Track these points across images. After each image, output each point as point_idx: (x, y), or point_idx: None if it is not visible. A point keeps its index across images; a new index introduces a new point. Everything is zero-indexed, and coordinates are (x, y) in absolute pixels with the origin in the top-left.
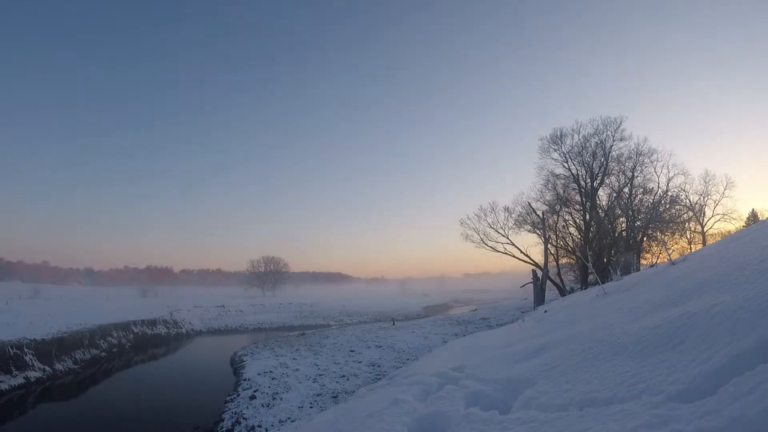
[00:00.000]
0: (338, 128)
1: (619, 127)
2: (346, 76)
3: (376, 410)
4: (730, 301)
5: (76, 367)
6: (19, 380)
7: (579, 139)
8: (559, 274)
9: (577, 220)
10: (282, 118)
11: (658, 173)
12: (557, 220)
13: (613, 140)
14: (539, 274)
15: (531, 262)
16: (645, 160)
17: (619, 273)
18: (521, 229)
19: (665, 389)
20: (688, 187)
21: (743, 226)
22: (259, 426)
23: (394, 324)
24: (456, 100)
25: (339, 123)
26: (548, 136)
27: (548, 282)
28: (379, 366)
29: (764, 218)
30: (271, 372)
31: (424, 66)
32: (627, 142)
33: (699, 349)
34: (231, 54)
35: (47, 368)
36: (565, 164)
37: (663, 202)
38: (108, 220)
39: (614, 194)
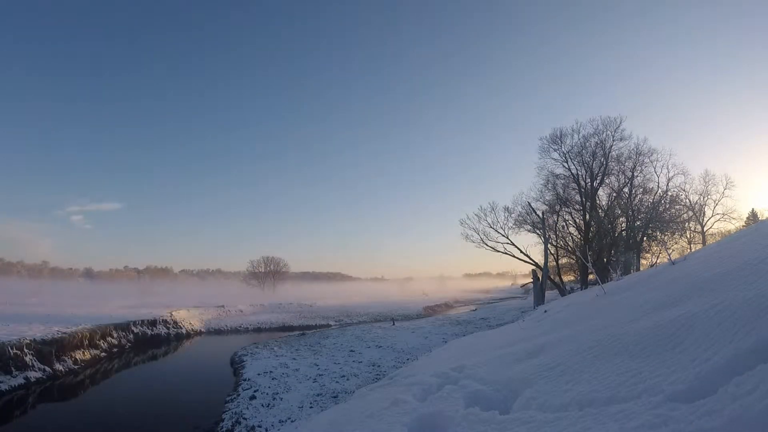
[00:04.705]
0: (338, 128)
1: (618, 127)
2: (347, 75)
3: (376, 410)
4: (730, 301)
5: (76, 367)
6: (20, 380)
7: (579, 139)
8: (559, 274)
9: (577, 220)
10: (282, 117)
11: (658, 173)
12: (557, 220)
13: (613, 140)
14: (539, 274)
15: (531, 262)
16: (645, 160)
17: (619, 273)
18: (521, 229)
19: (665, 389)
20: (688, 186)
21: (743, 226)
22: (259, 426)
23: (394, 324)
24: (455, 100)
25: (338, 123)
26: (548, 136)
27: (548, 282)
28: (379, 366)
29: (764, 218)
30: (271, 372)
31: (423, 65)
32: (627, 142)
33: (699, 349)
34: (232, 53)
35: (47, 368)
36: (565, 164)
37: (663, 202)
38: (107, 220)
39: (614, 194)
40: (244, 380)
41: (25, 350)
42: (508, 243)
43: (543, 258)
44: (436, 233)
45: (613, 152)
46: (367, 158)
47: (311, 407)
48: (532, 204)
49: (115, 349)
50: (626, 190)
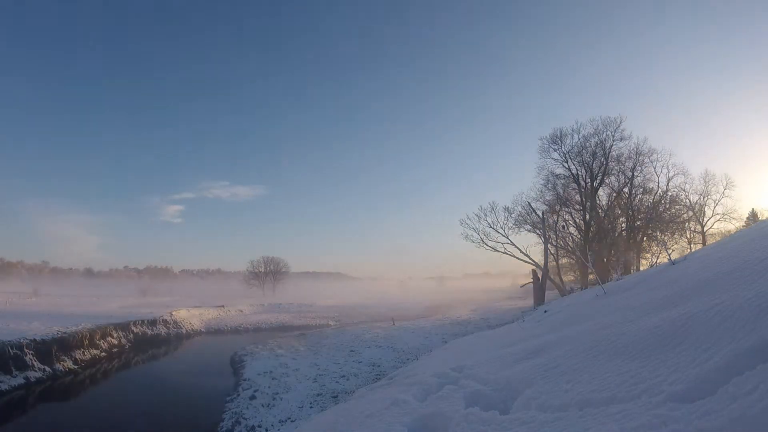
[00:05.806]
0: (337, 127)
1: (618, 127)
2: (346, 73)
3: (376, 410)
4: (730, 301)
5: (76, 367)
6: (20, 380)
7: (579, 139)
8: (559, 274)
9: (577, 220)
10: (281, 117)
11: (658, 173)
12: (557, 220)
13: (613, 140)
14: (539, 274)
15: (531, 262)
16: (645, 160)
17: (619, 273)
18: (521, 229)
19: (665, 389)
20: (688, 186)
21: (743, 226)
22: (259, 426)
23: (394, 324)
24: (455, 100)
25: (338, 122)
26: (548, 136)
27: (548, 282)
28: (379, 366)
29: (764, 218)
30: (271, 372)
31: (423, 64)
32: (627, 142)
33: (699, 349)
34: (235, 53)
35: (47, 368)
36: (565, 164)
37: (663, 202)
38: (107, 220)
39: (614, 194)
40: (244, 380)
41: (25, 350)
42: (508, 243)
43: (543, 258)
44: (436, 233)
45: (613, 152)
46: (368, 158)
47: (311, 407)
48: (532, 204)
49: (115, 349)
50: (626, 190)
